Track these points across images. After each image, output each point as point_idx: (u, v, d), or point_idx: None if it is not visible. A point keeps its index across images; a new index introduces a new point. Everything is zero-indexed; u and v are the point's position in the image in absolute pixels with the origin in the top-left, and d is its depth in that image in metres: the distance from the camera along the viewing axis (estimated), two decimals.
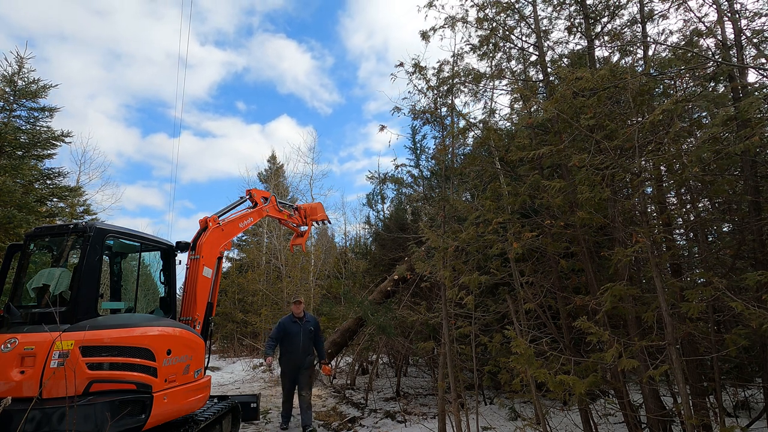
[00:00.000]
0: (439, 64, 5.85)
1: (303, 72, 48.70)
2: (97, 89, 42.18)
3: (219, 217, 5.64)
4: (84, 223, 4.08)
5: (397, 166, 7.74)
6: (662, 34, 5.17)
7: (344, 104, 44.50)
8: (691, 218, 5.01)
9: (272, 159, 25.04)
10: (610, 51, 5.50)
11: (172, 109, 46.55)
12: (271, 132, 44.35)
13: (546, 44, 5.49)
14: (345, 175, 41.32)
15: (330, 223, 8.74)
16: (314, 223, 8.00)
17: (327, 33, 53.47)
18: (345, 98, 46.06)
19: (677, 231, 5.39)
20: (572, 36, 5.44)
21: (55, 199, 10.37)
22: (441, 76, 5.83)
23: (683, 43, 4.61)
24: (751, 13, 4.65)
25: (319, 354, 6.61)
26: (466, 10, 5.57)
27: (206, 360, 5.06)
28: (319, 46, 52.27)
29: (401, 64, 5.73)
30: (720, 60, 4.09)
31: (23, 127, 9.78)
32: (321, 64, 50.71)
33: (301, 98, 46.85)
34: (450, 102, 5.98)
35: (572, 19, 5.41)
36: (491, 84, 5.85)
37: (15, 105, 9.55)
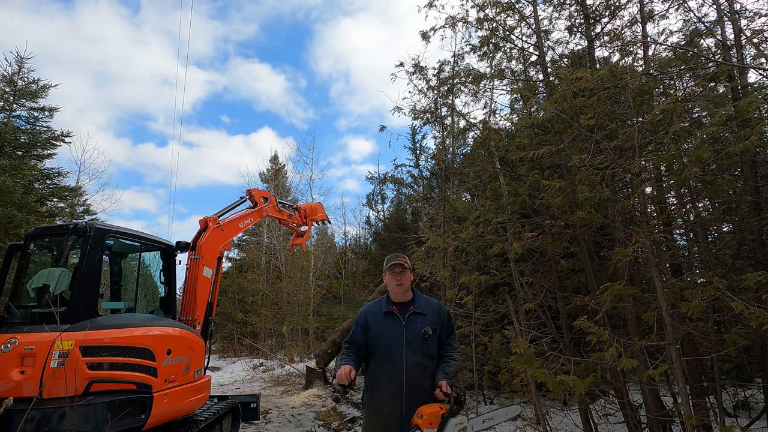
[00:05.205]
0: (439, 64, 5.88)
1: (277, 92, 53.29)
2: (87, 104, 44.24)
3: (219, 217, 5.63)
4: (84, 223, 4.08)
5: (396, 166, 7.76)
6: (662, 34, 5.17)
7: (318, 120, 48.79)
8: (691, 218, 5.00)
9: (274, 159, 25.00)
10: (610, 51, 5.50)
11: (156, 122, 48.99)
12: (254, 142, 47.22)
13: (546, 44, 5.50)
14: (326, 182, 43.17)
15: (330, 223, 8.75)
16: (314, 224, 8.00)
17: (297, 59, 57.75)
18: (319, 115, 49.92)
19: (677, 231, 5.38)
20: (572, 36, 5.45)
21: (55, 199, 10.36)
22: (441, 77, 5.84)
23: (683, 43, 4.61)
24: (751, 13, 4.65)
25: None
26: (467, 11, 5.58)
27: (206, 360, 5.06)
28: (291, 69, 56.54)
29: (401, 64, 5.74)
30: (720, 60, 4.09)
31: (23, 127, 9.78)
32: (294, 85, 54.83)
33: (278, 115, 51.07)
34: (450, 102, 5.98)
35: (572, 19, 5.41)
36: (491, 84, 5.85)
37: (15, 105, 9.53)
